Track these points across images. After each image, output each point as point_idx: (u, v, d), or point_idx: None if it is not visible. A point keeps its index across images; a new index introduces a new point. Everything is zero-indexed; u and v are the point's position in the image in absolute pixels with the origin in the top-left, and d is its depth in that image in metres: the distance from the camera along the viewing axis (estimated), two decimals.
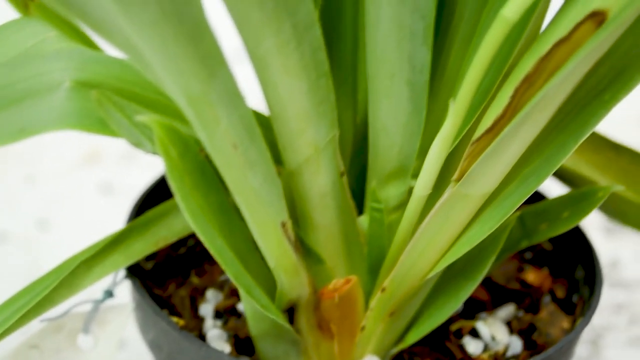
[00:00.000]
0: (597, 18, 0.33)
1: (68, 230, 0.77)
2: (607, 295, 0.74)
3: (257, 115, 0.39)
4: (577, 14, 0.34)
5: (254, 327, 0.42)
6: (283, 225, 0.38)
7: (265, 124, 0.38)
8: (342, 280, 0.42)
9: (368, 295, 0.44)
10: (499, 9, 0.36)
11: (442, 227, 0.40)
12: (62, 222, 0.77)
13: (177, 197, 0.33)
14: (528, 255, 0.53)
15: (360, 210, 0.43)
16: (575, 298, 0.50)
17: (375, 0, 0.34)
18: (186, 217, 0.34)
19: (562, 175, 0.51)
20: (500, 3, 0.36)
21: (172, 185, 0.33)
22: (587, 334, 0.70)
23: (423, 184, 0.38)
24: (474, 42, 0.37)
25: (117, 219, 0.65)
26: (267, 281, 0.39)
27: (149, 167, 0.82)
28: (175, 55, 0.31)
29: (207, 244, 0.35)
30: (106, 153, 0.84)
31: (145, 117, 0.32)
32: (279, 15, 0.32)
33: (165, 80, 0.31)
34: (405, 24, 0.35)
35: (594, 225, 0.79)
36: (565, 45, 0.34)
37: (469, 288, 0.44)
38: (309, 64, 0.35)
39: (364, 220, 0.43)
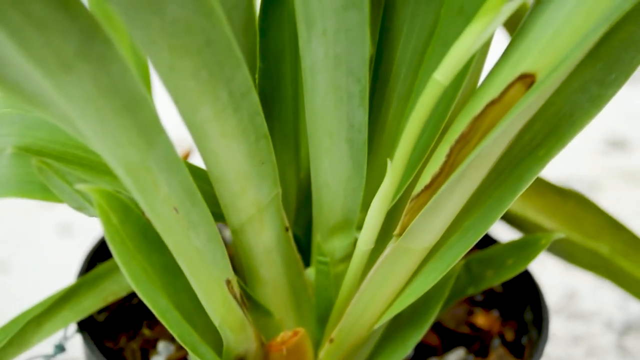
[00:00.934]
0: (527, 80, 0.34)
1: (28, 272, 0.77)
2: (565, 327, 0.75)
3: (200, 171, 0.40)
4: (507, 76, 0.34)
5: None
6: (228, 282, 0.38)
7: (208, 179, 0.38)
8: (290, 332, 0.42)
9: (317, 346, 0.44)
10: (433, 69, 0.36)
11: (386, 279, 0.41)
12: (22, 264, 0.77)
13: (119, 262, 0.34)
14: (479, 297, 0.54)
15: (307, 263, 0.44)
16: (524, 340, 0.50)
17: (311, 65, 0.35)
18: (129, 281, 0.34)
19: (510, 220, 0.52)
20: (434, 64, 0.37)
21: (113, 250, 0.33)
22: None
23: (365, 239, 0.39)
24: (411, 101, 0.38)
25: (76, 261, 0.66)
26: (215, 336, 0.40)
27: None
28: (112, 128, 0.31)
29: (151, 306, 0.35)
30: None
31: (85, 186, 0.33)
32: (215, 83, 0.33)
33: (103, 151, 0.32)
34: (341, 86, 0.36)
35: (551, 258, 0.80)
36: (498, 105, 0.35)
37: (417, 336, 0.45)
38: (248, 128, 0.35)
39: (310, 273, 0.43)
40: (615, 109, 0.78)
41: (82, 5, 0.29)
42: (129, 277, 0.34)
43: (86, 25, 0.29)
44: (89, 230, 0.80)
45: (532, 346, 0.48)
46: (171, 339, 0.48)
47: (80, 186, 0.33)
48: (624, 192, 0.91)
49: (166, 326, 0.36)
